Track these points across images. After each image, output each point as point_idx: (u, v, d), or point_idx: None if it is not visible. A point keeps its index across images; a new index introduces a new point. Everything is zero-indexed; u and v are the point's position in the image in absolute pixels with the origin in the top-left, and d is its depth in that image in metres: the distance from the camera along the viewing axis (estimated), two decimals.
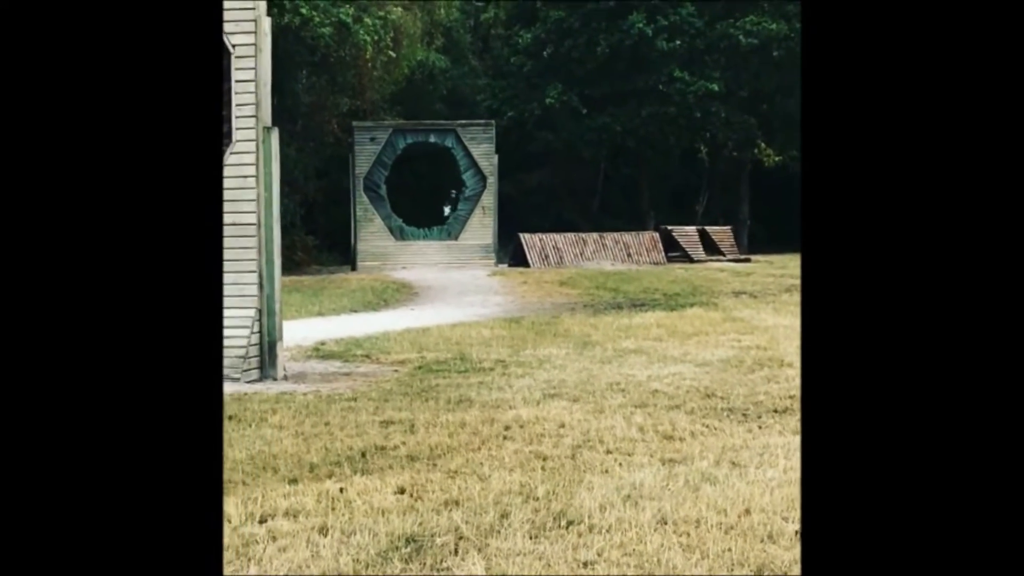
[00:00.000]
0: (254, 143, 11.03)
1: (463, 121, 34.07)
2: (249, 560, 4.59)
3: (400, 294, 23.53)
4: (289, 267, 22.57)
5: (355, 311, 19.78)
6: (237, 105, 11.01)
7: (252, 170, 11.03)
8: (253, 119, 11.02)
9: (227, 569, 4.48)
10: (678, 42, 37.82)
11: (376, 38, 30.72)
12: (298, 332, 14.56)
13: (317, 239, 35.20)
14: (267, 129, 11.06)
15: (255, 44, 10.93)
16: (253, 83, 10.97)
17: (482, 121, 34.14)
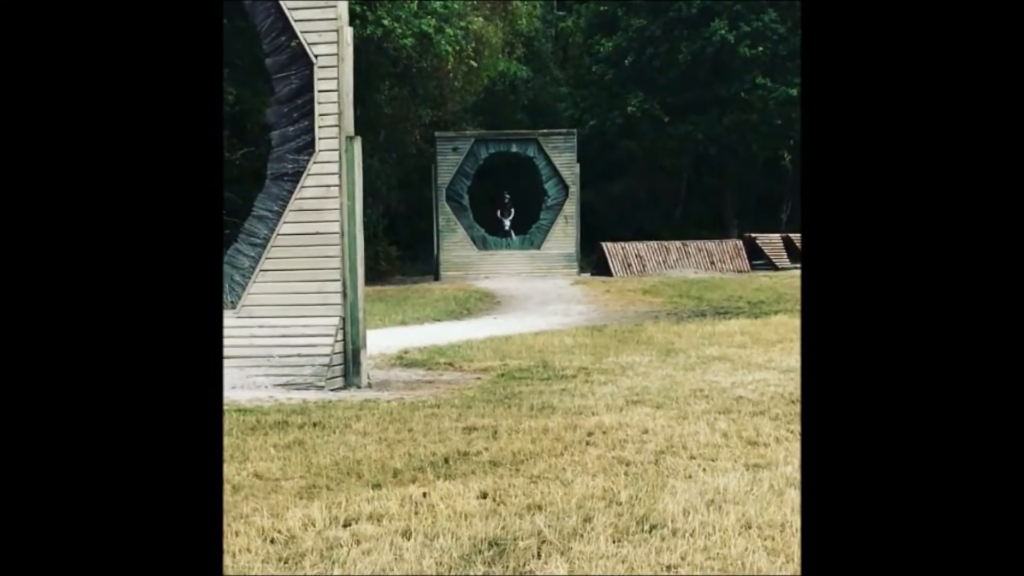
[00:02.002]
0: (337, 153, 11.13)
1: (545, 130, 34.07)
2: (333, 563, 4.61)
3: (483, 303, 23.59)
4: (372, 277, 22.69)
5: (438, 320, 19.87)
6: (320, 115, 11.12)
7: (335, 179, 11.13)
8: (336, 128, 11.12)
9: (311, 571, 4.51)
10: (760, 48, 37.50)
11: (458, 48, 30.79)
12: (382, 341, 14.65)
13: (400, 250, 35.38)
14: (350, 138, 11.15)
15: (337, 54, 11.03)
16: (336, 92, 11.07)
17: (564, 130, 34.11)
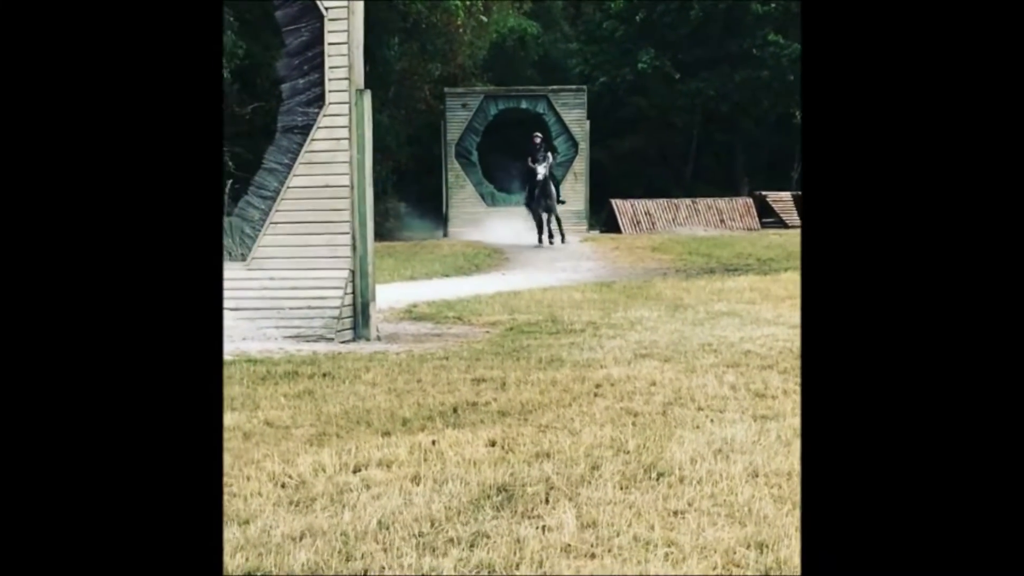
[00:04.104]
0: (347, 106, 11.12)
1: (555, 87, 33.95)
2: (343, 507, 4.66)
3: (491, 259, 23.60)
4: (381, 233, 22.71)
5: (447, 275, 19.90)
6: (330, 68, 11.11)
7: (345, 132, 11.13)
8: (346, 82, 11.11)
9: (321, 514, 4.56)
10: (772, 5, 37.29)
11: (467, 3, 30.70)
12: (391, 295, 14.68)
13: (409, 206, 35.39)
14: (359, 91, 11.14)
15: (347, 7, 11.00)
16: (346, 45, 11.05)
17: (574, 87, 33.99)
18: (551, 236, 25.38)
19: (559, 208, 25.65)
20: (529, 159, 25.70)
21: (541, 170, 25.01)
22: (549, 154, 25.87)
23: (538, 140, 26.54)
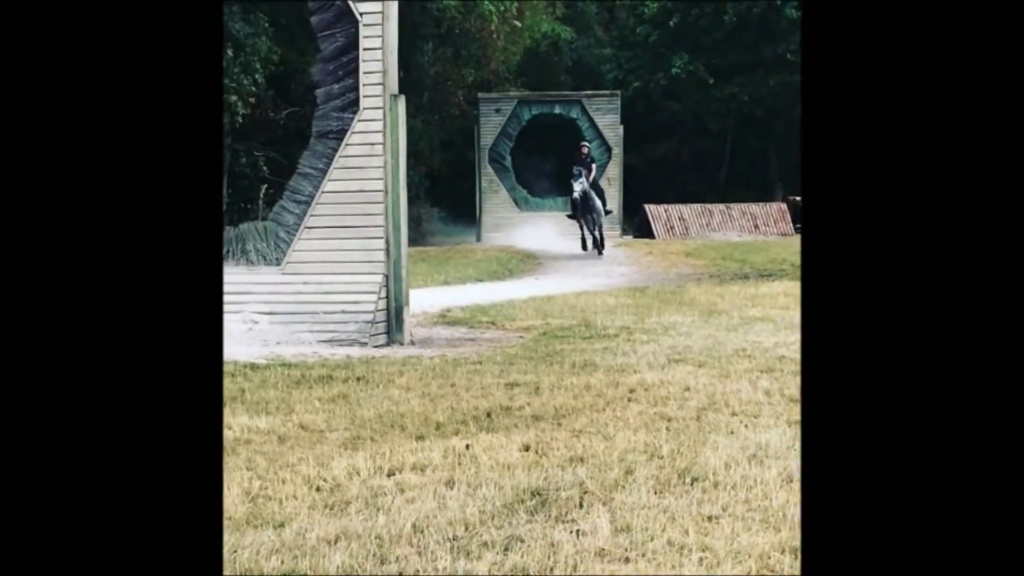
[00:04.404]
0: (381, 111, 11.16)
1: (588, 92, 33.93)
2: (378, 510, 4.67)
3: (524, 264, 23.62)
4: (414, 238, 22.71)
5: (480, 280, 19.93)
6: (364, 73, 11.16)
7: (379, 137, 11.17)
8: (380, 87, 11.15)
9: (356, 518, 4.57)
10: None
11: (501, 9, 30.73)
12: (424, 300, 14.72)
13: (442, 211, 35.44)
14: (394, 97, 11.17)
15: (382, 12, 11.04)
16: (380, 51, 11.10)
17: (607, 92, 33.95)
18: (594, 245, 24.84)
19: (605, 217, 25.32)
20: (574, 170, 24.82)
21: (577, 187, 24.33)
22: (581, 169, 24.84)
23: (585, 150, 26.28)
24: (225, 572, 3.96)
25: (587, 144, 27.36)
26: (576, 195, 24.39)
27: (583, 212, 24.64)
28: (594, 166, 26.07)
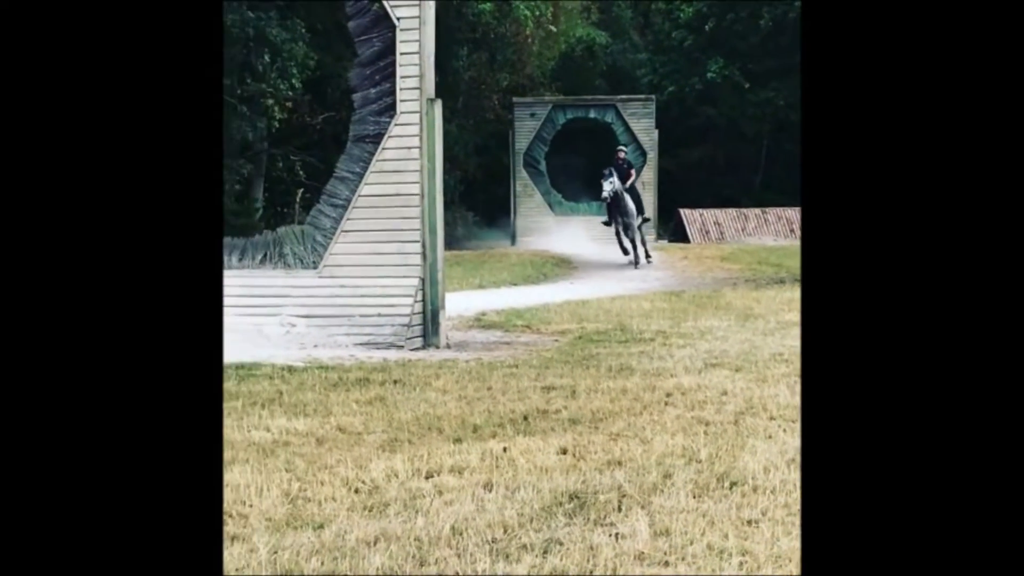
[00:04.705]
0: (417, 115, 11.19)
1: (623, 96, 33.89)
2: (416, 512, 4.68)
3: (559, 268, 23.60)
4: (450, 242, 22.72)
5: (515, 284, 19.93)
6: (402, 77, 11.19)
7: (416, 141, 11.19)
8: (417, 91, 11.18)
9: (395, 519, 4.58)
10: None
11: (536, 13, 30.76)
12: (460, 303, 14.74)
13: (477, 215, 35.48)
14: (431, 101, 11.20)
15: (419, 16, 11.08)
16: (417, 55, 11.12)
17: (642, 96, 33.91)
18: (628, 253, 23.66)
19: (641, 223, 24.18)
20: (604, 171, 23.88)
21: (607, 187, 23.28)
22: (613, 169, 23.74)
23: (622, 155, 25.40)
24: (265, 573, 3.98)
25: (624, 148, 26.78)
26: (606, 194, 23.42)
27: (614, 214, 23.76)
28: (632, 171, 25.01)
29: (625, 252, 23.74)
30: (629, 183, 23.97)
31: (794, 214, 32.19)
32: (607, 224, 24.53)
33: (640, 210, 24.13)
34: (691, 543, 4.21)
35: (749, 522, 4.46)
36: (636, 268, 23.22)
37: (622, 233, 23.76)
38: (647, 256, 24.06)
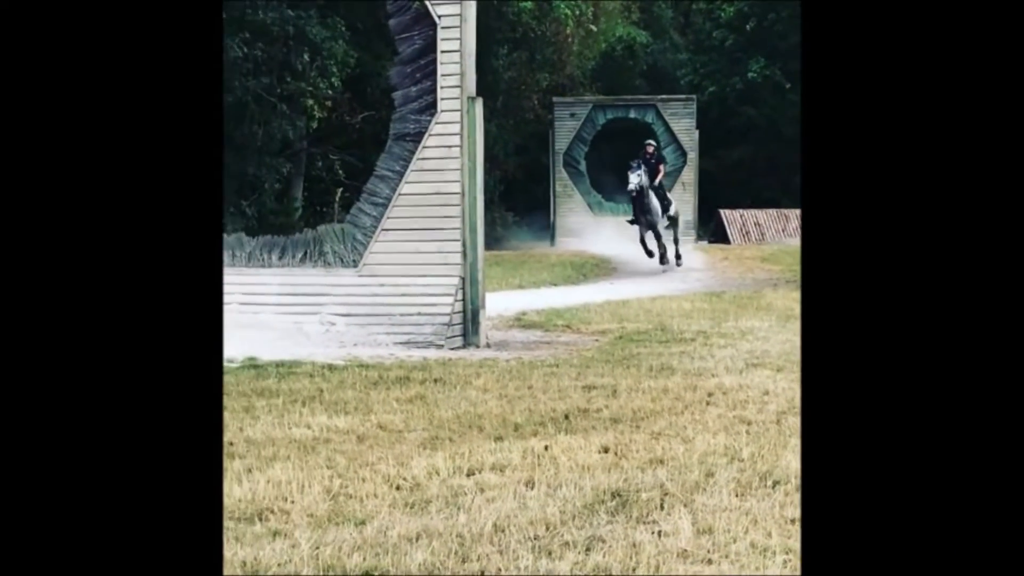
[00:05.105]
0: (458, 113, 11.18)
1: (664, 96, 33.79)
2: (458, 509, 4.67)
3: (599, 268, 23.56)
4: (489, 242, 22.64)
5: (554, 284, 19.91)
6: (442, 75, 11.18)
7: (456, 140, 11.18)
8: (457, 89, 11.17)
9: (436, 516, 4.58)
10: None
11: (577, 13, 30.71)
12: (499, 303, 14.72)
13: (516, 215, 35.46)
14: (471, 99, 11.19)
15: (460, 14, 11.07)
16: (458, 53, 11.12)
17: (683, 96, 33.79)
18: (652, 255, 22.51)
19: (668, 224, 22.86)
20: (632, 163, 22.38)
21: (633, 179, 21.68)
22: (641, 162, 22.14)
23: (651, 150, 23.16)
24: (307, 569, 3.98)
25: (652, 144, 24.07)
26: (632, 188, 21.72)
27: (639, 212, 22.29)
28: (662, 167, 23.41)
29: (649, 254, 22.62)
30: (658, 179, 22.65)
31: None
32: (632, 223, 23.10)
33: (665, 209, 22.62)
34: (734, 541, 4.18)
35: (792, 520, 4.43)
36: (663, 270, 22.07)
37: (645, 232, 22.48)
38: (677, 257, 22.91)
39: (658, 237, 22.39)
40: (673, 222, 23.13)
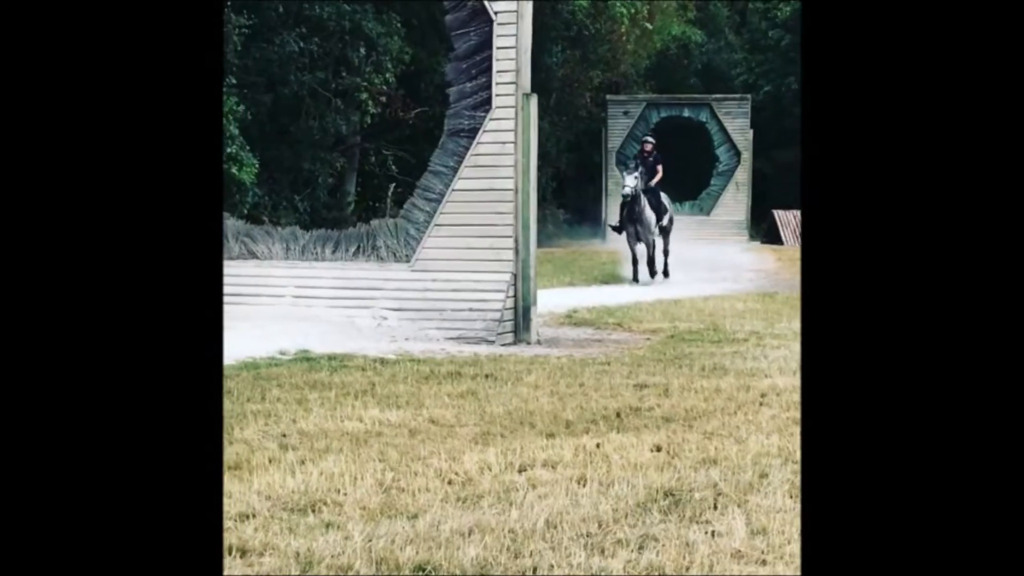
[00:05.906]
0: (513, 110, 11.16)
1: (718, 95, 33.67)
2: (510, 504, 4.67)
3: None
4: (540, 239, 22.60)
5: (606, 282, 19.84)
6: (498, 72, 11.17)
7: (511, 136, 11.17)
8: (513, 86, 11.15)
9: (488, 511, 4.57)
10: None
11: (632, 11, 30.64)
12: (550, 300, 14.70)
13: (567, 212, 35.44)
14: (526, 96, 11.18)
15: (516, 11, 11.05)
16: (513, 50, 11.10)
17: (737, 96, 33.67)
18: (637, 279, 19.10)
19: (659, 233, 19.47)
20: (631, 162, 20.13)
21: (629, 181, 18.86)
22: (636, 163, 19.60)
23: (649, 147, 20.28)
24: (360, 561, 3.99)
25: (651, 140, 20.94)
26: (627, 192, 18.77)
27: (628, 221, 18.87)
28: (660, 168, 19.94)
29: (634, 264, 19.25)
30: (655, 181, 19.64)
31: None
32: (616, 230, 19.86)
33: (659, 217, 19.38)
34: (788, 542, 4.15)
35: None
36: (638, 284, 18.87)
37: (632, 245, 19.23)
38: (664, 271, 19.70)
39: (649, 247, 19.26)
40: (665, 232, 19.89)
